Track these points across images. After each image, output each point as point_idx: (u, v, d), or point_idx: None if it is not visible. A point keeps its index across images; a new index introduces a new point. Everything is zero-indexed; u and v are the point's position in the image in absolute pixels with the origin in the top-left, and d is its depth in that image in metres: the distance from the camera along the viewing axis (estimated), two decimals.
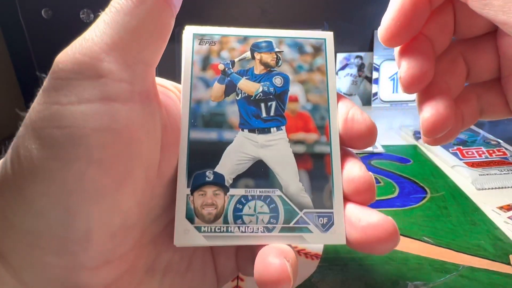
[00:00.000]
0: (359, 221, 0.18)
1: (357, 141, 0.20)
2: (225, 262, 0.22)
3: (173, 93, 0.20)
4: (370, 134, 0.19)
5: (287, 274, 0.16)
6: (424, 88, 0.20)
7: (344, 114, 0.20)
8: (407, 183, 0.41)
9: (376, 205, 0.36)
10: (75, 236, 0.14)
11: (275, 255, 0.17)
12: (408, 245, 0.30)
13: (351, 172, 0.19)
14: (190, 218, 0.18)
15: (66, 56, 0.15)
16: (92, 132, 0.14)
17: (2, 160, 0.15)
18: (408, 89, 0.20)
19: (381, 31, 0.20)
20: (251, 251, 0.19)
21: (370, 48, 0.69)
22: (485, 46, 0.21)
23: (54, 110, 0.14)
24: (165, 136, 0.18)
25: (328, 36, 0.22)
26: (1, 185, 0.15)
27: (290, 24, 0.67)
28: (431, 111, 0.20)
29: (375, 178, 0.42)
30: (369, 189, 0.19)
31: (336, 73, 0.69)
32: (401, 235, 0.32)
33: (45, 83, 0.15)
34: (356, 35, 0.69)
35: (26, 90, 0.63)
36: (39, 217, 0.14)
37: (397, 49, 0.21)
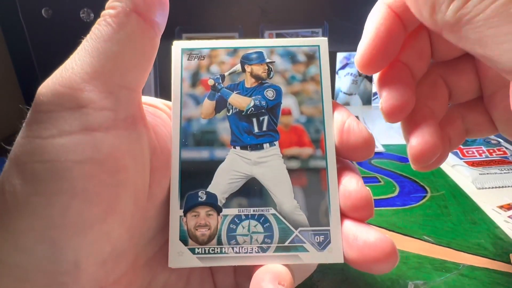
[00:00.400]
0: (356, 239, 0.17)
1: (353, 153, 0.19)
2: (224, 279, 0.21)
3: (164, 112, 0.20)
4: (367, 146, 0.19)
5: None
6: (406, 116, 0.20)
7: (340, 125, 0.19)
8: (408, 182, 0.41)
9: (376, 204, 0.36)
10: (63, 268, 0.14)
11: (269, 281, 0.16)
12: (408, 244, 0.30)
13: (348, 187, 0.18)
14: (183, 240, 0.18)
15: (47, 87, 0.15)
16: (74, 165, 0.14)
17: None
18: (390, 119, 0.20)
19: (357, 59, 0.19)
20: (249, 268, 0.19)
21: None
22: (464, 67, 0.21)
23: (36, 144, 0.14)
24: (154, 159, 0.18)
25: (322, 42, 0.21)
26: None
27: (290, 24, 0.68)
28: (417, 140, 0.19)
29: (376, 177, 0.42)
30: (367, 205, 0.18)
31: (336, 73, 0.69)
32: (401, 234, 0.32)
33: (28, 116, 0.15)
34: (356, 35, 0.69)
35: (26, 90, 0.63)
36: (25, 252, 0.14)
37: (376, 79, 0.20)
